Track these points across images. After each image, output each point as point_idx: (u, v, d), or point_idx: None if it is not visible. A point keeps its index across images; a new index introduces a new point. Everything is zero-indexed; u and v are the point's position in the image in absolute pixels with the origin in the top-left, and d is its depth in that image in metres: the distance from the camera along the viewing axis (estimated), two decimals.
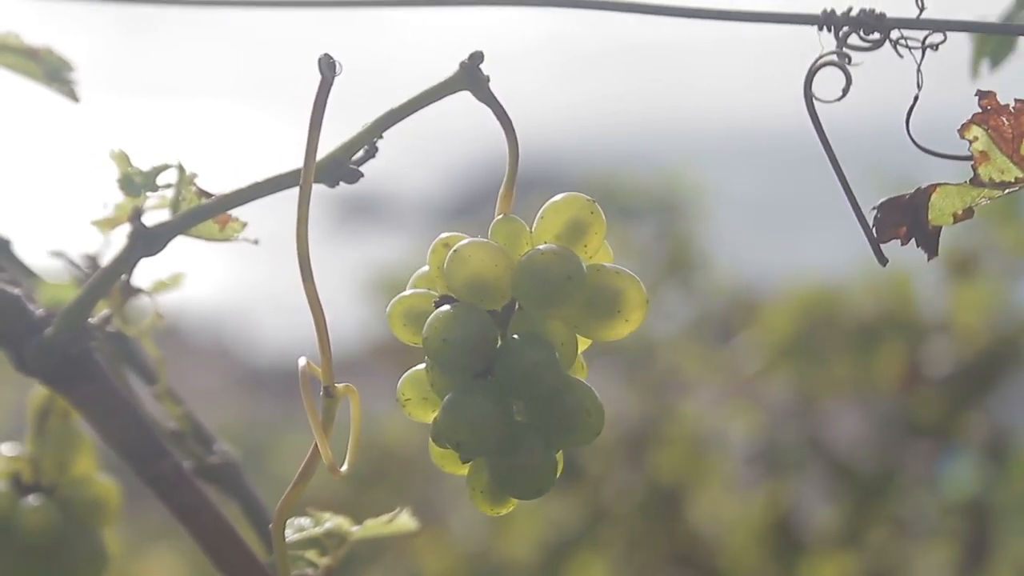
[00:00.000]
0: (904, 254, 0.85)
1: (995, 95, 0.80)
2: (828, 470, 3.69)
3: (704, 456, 3.87)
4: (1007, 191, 0.81)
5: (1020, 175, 0.81)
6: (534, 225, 0.84)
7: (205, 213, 0.89)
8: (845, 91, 0.87)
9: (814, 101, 0.87)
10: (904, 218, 0.82)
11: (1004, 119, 0.80)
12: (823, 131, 0.87)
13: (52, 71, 1.00)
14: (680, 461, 3.85)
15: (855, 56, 0.87)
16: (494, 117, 0.85)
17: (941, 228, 0.82)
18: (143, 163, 0.91)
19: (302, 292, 0.85)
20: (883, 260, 0.84)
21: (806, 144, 0.87)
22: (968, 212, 0.81)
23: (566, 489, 3.88)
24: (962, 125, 0.81)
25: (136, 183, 0.90)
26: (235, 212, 0.91)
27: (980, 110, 0.81)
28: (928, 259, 0.83)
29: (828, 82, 0.87)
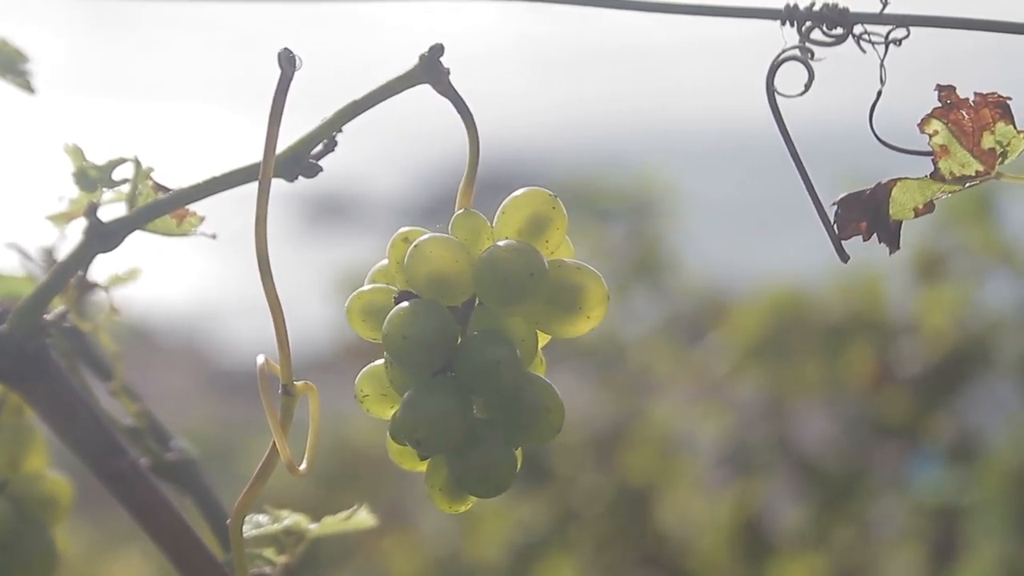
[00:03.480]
0: (872, 254, 0.84)
1: (955, 89, 0.80)
2: (797, 471, 3.69)
3: (673, 457, 3.87)
4: (967, 185, 0.81)
5: (980, 169, 0.81)
6: (495, 220, 0.83)
7: (162, 208, 0.88)
8: (808, 86, 0.86)
9: (776, 96, 0.87)
10: (865, 213, 0.82)
11: (964, 113, 0.80)
12: (785, 126, 0.86)
13: (6, 62, 0.99)
14: (649, 462, 3.85)
15: (818, 51, 0.87)
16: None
17: (902, 223, 0.82)
18: (99, 158, 0.90)
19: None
20: (844, 257, 0.84)
21: (778, 146, 0.87)
22: (929, 206, 0.81)
23: (535, 490, 3.88)
24: (922, 119, 0.81)
25: (91, 178, 0.90)
26: (198, 208, 0.90)
27: (940, 104, 0.80)
28: (890, 253, 0.83)
29: (794, 78, 0.87)
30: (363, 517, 1.02)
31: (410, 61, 0.84)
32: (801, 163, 0.85)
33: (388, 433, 0.82)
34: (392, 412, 0.82)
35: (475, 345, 0.80)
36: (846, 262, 0.84)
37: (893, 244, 0.82)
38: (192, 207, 0.90)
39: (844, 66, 0.87)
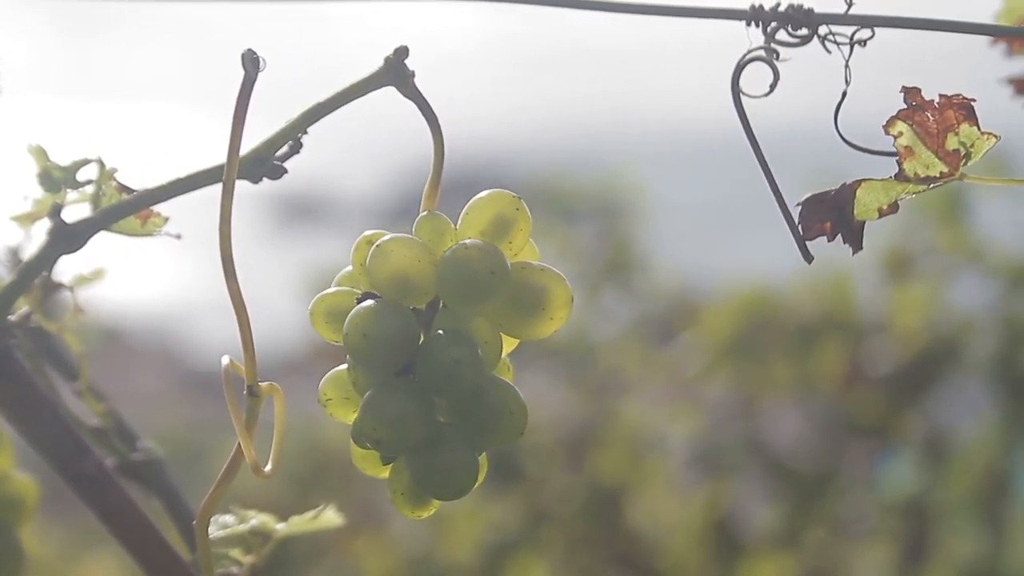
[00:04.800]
0: (842, 254, 0.84)
1: (920, 90, 0.80)
2: (768, 470, 3.70)
3: (644, 457, 3.87)
4: (932, 186, 0.81)
5: (945, 170, 0.81)
6: (459, 222, 0.83)
7: (126, 209, 0.88)
8: (773, 87, 0.87)
9: (742, 97, 0.87)
10: (829, 214, 0.82)
11: (929, 114, 0.80)
12: (750, 126, 0.86)
13: None
14: (621, 462, 3.86)
15: (785, 52, 0.87)
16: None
17: (865, 223, 0.82)
18: (63, 158, 0.90)
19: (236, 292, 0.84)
20: (808, 258, 0.84)
21: (747, 147, 0.87)
22: (893, 207, 0.81)
23: (507, 491, 3.88)
24: (887, 121, 0.81)
25: (55, 178, 0.89)
26: (164, 209, 0.90)
27: (905, 106, 0.80)
28: (853, 254, 0.83)
29: (762, 79, 0.87)
30: (330, 517, 1.02)
31: (380, 62, 0.84)
32: (766, 163, 0.85)
33: (351, 436, 0.81)
34: (354, 416, 0.82)
35: (436, 345, 0.80)
36: (810, 263, 0.84)
37: (856, 245, 0.82)
38: (159, 208, 0.90)
39: (813, 67, 0.87)
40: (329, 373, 0.84)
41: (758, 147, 0.86)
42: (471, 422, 0.81)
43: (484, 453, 0.83)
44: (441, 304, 0.81)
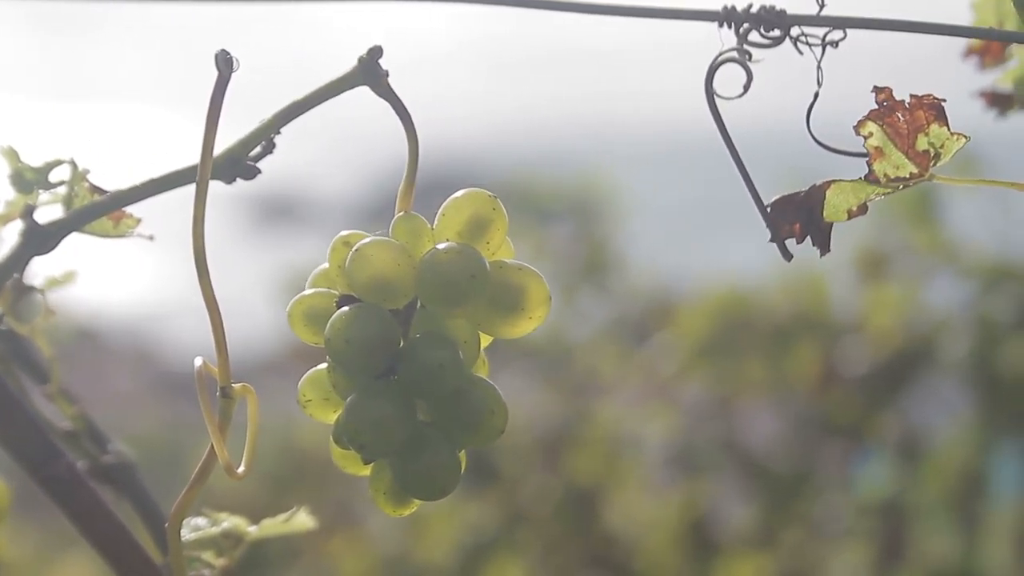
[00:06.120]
0: (817, 255, 0.84)
1: (891, 91, 0.80)
2: (744, 470, 3.71)
3: (621, 457, 3.88)
4: (902, 187, 0.81)
5: (915, 171, 0.81)
6: (436, 222, 0.83)
7: (99, 210, 0.88)
8: (746, 87, 0.87)
9: (716, 98, 0.87)
10: (799, 215, 0.82)
11: (900, 115, 0.80)
12: (724, 127, 0.87)
13: None
14: (597, 463, 3.86)
15: (758, 53, 0.87)
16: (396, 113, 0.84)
17: (833, 225, 0.82)
18: (36, 159, 0.90)
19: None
20: (787, 256, 0.84)
21: (724, 148, 0.87)
22: (863, 208, 0.81)
23: (483, 492, 3.88)
24: (858, 121, 0.81)
25: (27, 179, 0.89)
26: (135, 210, 0.90)
27: (876, 106, 0.81)
28: (821, 255, 0.83)
29: (737, 80, 0.87)
30: (303, 519, 1.02)
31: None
32: (742, 163, 0.85)
33: (331, 437, 0.81)
34: (335, 416, 0.82)
35: (417, 348, 0.80)
36: (789, 261, 0.84)
37: (824, 246, 0.83)
38: (132, 209, 0.90)
39: (791, 67, 0.87)
40: (308, 374, 0.83)
41: (733, 148, 0.86)
42: (453, 422, 0.81)
43: (463, 452, 0.83)
44: (419, 305, 0.81)
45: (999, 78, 1.02)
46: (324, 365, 0.83)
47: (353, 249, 0.80)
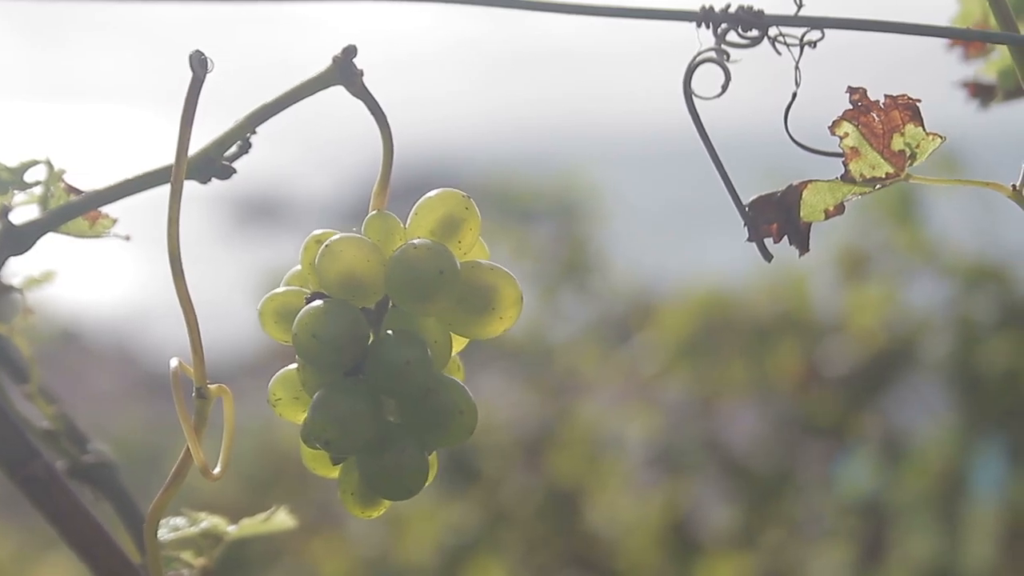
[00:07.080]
0: (797, 255, 0.84)
1: (865, 91, 0.81)
2: (725, 470, 3.71)
3: (602, 458, 3.88)
4: (878, 187, 0.81)
5: (891, 171, 0.81)
6: (408, 221, 0.82)
7: (75, 210, 0.87)
8: (724, 88, 0.87)
9: (695, 98, 0.87)
10: (776, 215, 0.82)
11: (875, 115, 0.80)
12: (703, 127, 0.86)
13: None
14: (578, 463, 3.86)
15: (737, 54, 0.87)
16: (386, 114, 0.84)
17: (811, 225, 0.82)
18: (12, 159, 0.89)
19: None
20: (767, 256, 0.84)
21: (704, 148, 0.87)
22: (839, 208, 0.81)
23: (464, 492, 3.87)
24: (834, 121, 0.81)
25: (2, 179, 0.89)
26: (111, 210, 0.90)
27: (851, 106, 0.81)
28: (799, 255, 0.83)
29: (716, 81, 0.87)
30: (282, 519, 1.01)
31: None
32: (721, 164, 0.85)
33: (300, 437, 0.81)
34: (304, 416, 0.82)
35: (385, 345, 0.79)
36: (769, 261, 0.84)
37: (803, 246, 0.83)
38: (108, 209, 0.89)
39: (768, 67, 0.87)
40: (278, 373, 0.83)
41: (712, 148, 0.86)
42: (421, 422, 0.81)
43: (435, 453, 0.83)
44: (390, 304, 0.81)
45: (981, 68, 1.03)
46: (295, 364, 0.82)
47: (323, 246, 0.80)
